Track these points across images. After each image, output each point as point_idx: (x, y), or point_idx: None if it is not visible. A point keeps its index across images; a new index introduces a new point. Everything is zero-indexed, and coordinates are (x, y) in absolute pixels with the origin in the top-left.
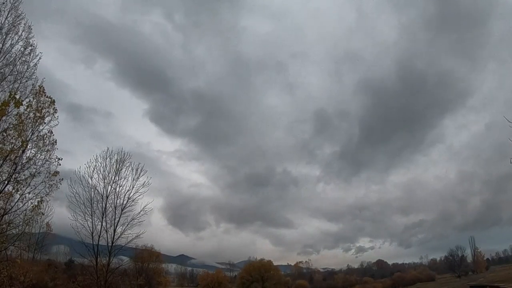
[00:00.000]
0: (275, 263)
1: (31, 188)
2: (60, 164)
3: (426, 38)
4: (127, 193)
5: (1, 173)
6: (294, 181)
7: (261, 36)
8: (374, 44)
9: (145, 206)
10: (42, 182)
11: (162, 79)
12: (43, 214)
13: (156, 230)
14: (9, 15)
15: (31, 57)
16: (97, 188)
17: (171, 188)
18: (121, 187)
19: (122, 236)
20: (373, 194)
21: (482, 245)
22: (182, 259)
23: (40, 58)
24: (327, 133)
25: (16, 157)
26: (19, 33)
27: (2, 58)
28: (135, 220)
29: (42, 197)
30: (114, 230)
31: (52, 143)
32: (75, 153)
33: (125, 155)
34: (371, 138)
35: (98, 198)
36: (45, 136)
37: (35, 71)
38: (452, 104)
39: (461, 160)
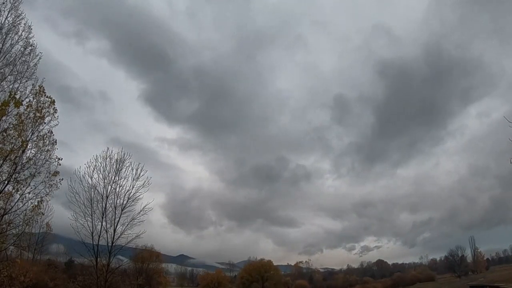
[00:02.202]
0: (276, 263)
1: (31, 188)
2: (60, 164)
3: (457, 16)
4: (127, 193)
5: (1, 173)
6: (301, 175)
7: (274, 3)
8: (403, 18)
9: (145, 206)
10: (42, 182)
11: (161, 55)
12: (43, 214)
13: (156, 228)
14: (9, 15)
15: (31, 57)
16: (97, 188)
17: (171, 182)
18: (121, 187)
19: (122, 236)
20: (385, 190)
21: (487, 245)
22: (182, 259)
23: (40, 58)
24: (341, 122)
25: (16, 157)
26: (19, 33)
27: (2, 58)
28: (135, 220)
29: (42, 197)
30: (114, 230)
31: (52, 143)
32: (67, 142)
33: (125, 155)
34: (388, 129)
35: (98, 198)
36: (45, 136)
37: (35, 71)
38: (478, 92)
39: (478, 153)
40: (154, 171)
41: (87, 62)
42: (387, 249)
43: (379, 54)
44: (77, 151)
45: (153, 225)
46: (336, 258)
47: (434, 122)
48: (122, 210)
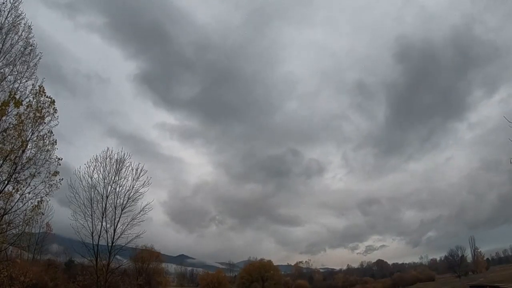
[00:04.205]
0: (277, 263)
1: (31, 188)
2: (60, 164)
3: None
4: (127, 193)
5: (1, 173)
6: (308, 169)
7: None
8: None
9: (145, 206)
10: (42, 182)
11: (161, 30)
12: (43, 214)
13: (156, 227)
14: (9, 15)
15: (31, 57)
16: (97, 188)
17: (172, 176)
18: (121, 187)
19: (122, 236)
20: (394, 185)
21: (492, 244)
22: (182, 259)
23: (40, 58)
24: (355, 111)
25: (16, 157)
26: (19, 33)
27: (2, 58)
28: (135, 220)
29: (42, 197)
30: (114, 230)
31: (52, 143)
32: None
33: (125, 155)
34: (405, 119)
35: (98, 198)
36: (45, 136)
37: (35, 71)
38: (501, 81)
39: (492, 147)
40: (155, 163)
41: (79, 38)
42: (391, 249)
43: (402, 33)
44: (68, 138)
45: (154, 223)
46: (339, 258)
47: (454, 112)
48: (122, 210)
